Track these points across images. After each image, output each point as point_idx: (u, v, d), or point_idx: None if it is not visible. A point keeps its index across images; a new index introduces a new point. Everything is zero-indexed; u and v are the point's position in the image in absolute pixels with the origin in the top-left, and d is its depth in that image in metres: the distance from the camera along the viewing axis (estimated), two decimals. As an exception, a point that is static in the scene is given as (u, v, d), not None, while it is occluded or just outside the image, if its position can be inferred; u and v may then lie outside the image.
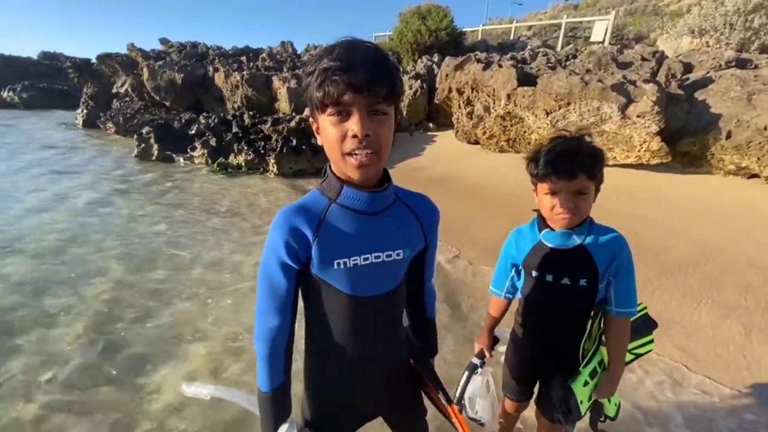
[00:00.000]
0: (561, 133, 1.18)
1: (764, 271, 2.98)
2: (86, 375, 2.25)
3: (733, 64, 5.99)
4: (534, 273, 1.22)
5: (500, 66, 6.43)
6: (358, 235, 0.85)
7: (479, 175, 6.03)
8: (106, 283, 3.26)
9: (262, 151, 6.47)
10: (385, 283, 0.91)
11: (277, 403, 0.92)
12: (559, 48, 12.48)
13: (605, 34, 12.49)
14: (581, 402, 1.18)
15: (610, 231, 1.19)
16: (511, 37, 16.02)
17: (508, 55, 8.77)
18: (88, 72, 12.85)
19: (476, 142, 7.39)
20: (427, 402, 1.16)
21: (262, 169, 6.51)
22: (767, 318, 2.54)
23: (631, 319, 1.25)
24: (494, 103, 6.50)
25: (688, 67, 6.16)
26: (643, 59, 6.05)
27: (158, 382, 2.21)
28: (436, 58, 10.93)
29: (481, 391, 1.35)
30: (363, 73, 0.71)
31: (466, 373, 1.34)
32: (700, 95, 5.16)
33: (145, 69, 10.20)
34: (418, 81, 8.88)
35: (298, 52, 12.60)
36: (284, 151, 6.24)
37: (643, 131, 4.63)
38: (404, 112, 8.95)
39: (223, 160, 6.84)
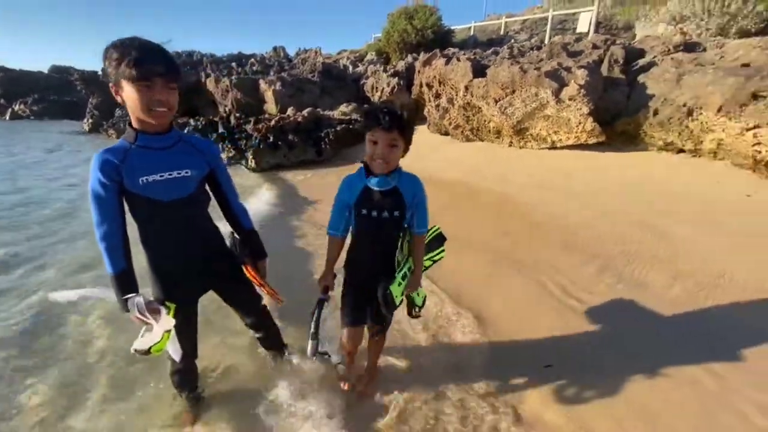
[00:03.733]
0: (390, 98, 1.72)
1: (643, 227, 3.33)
2: None
3: (681, 48, 6.24)
4: (363, 211, 1.59)
5: (458, 60, 6.83)
6: (153, 161, 1.36)
7: (439, 166, 6.45)
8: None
9: (243, 148, 7.06)
10: (179, 191, 1.43)
11: (122, 282, 1.37)
12: (546, 40, 12.72)
13: (590, 25, 12.65)
14: (396, 297, 1.64)
15: (412, 176, 1.64)
16: (502, 32, 16.28)
17: (490, 50, 9.14)
18: (94, 83, 13.85)
19: (446, 133, 7.79)
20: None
21: (243, 163, 7.09)
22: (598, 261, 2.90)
23: (427, 236, 1.78)
24: (456, 95, 6.91)
25: (639, 53, 6.43)
26: (594, 47, 6.35)
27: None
28: (421, 56, 11.35)
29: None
30: (162, 63, 1.26)
31: (317, 309, 1.69)
32: (642, 78, 5.45)
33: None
34: (396, 78, 9.32)
35: (290, 56, 13.21)
36: (261, 146, 6.81)
37: (577, 113, 4.98)
38: (383, 108, 9.41)
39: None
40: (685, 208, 3.62)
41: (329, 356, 2.02)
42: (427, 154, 6.83)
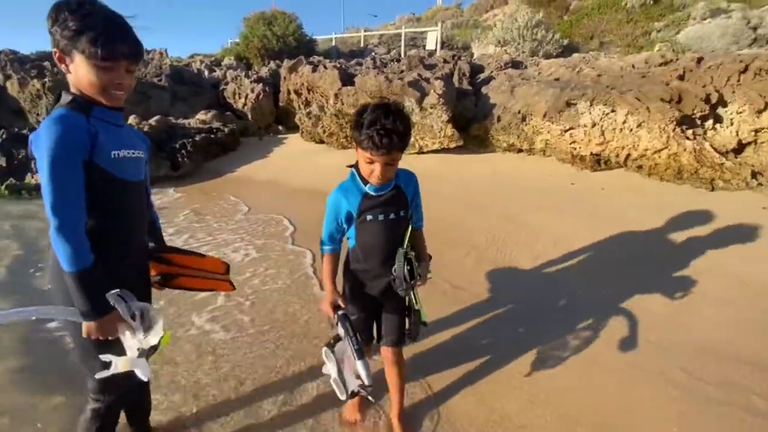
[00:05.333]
0: (382, 100, 1.40)
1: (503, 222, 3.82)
2: None
3: (509, 65, 7.48)
4: (369, 217, 1.47)
5: (325, 68, 6.81)
6: (116, 136, 1.18)
7: (316, 175, 6.29)
8: None
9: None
10: (138, 173, 1.28)
11: (97, 278, 1.10)
12: (403, 54, 13.77)
13: (436, 43, 14.22)
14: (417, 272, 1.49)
15: (408, 172, 1.56)
16: (362, 45, 17.11)
17: (354, 61, 9.36)
18: None
19: (321, 141, 7.68)
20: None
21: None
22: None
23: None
24: (326, 102, 6.86)
25: (480, 69, 7.46)
26: (445, 61, 7.11)
27: None
28: (285, 63, 11.00)
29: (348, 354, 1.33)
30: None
31: (347, 324, 1.36)
32: (484, 90, 6.30)
33: None
34: (260, 84, 8.81)
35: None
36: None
37: (438, 120, 5.46)
38: (249, 116, 8.80)
39: (16, 182, 5.75)
40: (531, 198, 4.27)
41: (367, 387, 1.33)
42: (303, 164, 6.60)
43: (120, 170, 1.18)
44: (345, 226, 1.51)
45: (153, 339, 1.13)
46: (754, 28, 9.74)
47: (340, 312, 1.43)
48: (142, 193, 1.32)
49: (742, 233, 3.20)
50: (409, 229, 1.56)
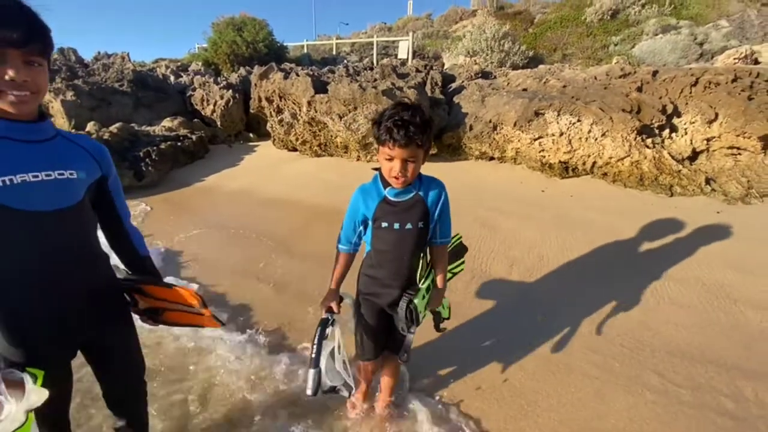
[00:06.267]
0: (402, 100, 1.41)
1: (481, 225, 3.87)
2: None
3: (479, 76, 7.66)
4: (384, 224, 1.41)
5: (297, 75, 6.72)
6: (20, 156, 0.96)
7: (289, 184, 6.17)
8: None
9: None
10: (61, 199, 1.03)
11: None
12: (375, 62, 13.86)
13: (408, 52, 14.43)
14: (421, 311, 1.46)
15: (435, 180, 1.47)
16: (334, 53, 17.10)
17: (326, 68, 9.29)
18: None
19: (294, 149, 7.55)
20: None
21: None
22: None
23: (449, 246, 1.60)
24: (299, 110, 6.76)
25: (452, 78, 7.59)
26: (417, 71, 7.18)
27: None
28: (256, 69, 10.79)
29: (334, 353, 1.39)
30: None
31: (320, 329, 1.35)
32: (456, 99, 6.41)
33: None
34: (230, 91, 8.59)
35: (86, 59, 10.73)
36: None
37: (413, 128, 5.48)
38: (218, 123, 8.55)
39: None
40: (505, 206, 4.35)
41: (339, 390, 1.47)
42: (275, 172, 6.45)
43: (13, 199, 0.94)
44: (361, 228, 1.49)
45: (32, 401, 0.94)
46: (701, 44, 10.50)
47: (324, 315, 1.42)
48: (65, 223, 1.06)
49: (701, 237, 3.37)
50: (426, 248, 1.53)
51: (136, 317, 1.28)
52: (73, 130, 7.14)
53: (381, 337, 1.62)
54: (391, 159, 1.31)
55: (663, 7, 13.06)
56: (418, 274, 1.54)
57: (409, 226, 1.43)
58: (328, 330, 1.38)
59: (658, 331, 2.31)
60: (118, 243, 1.26)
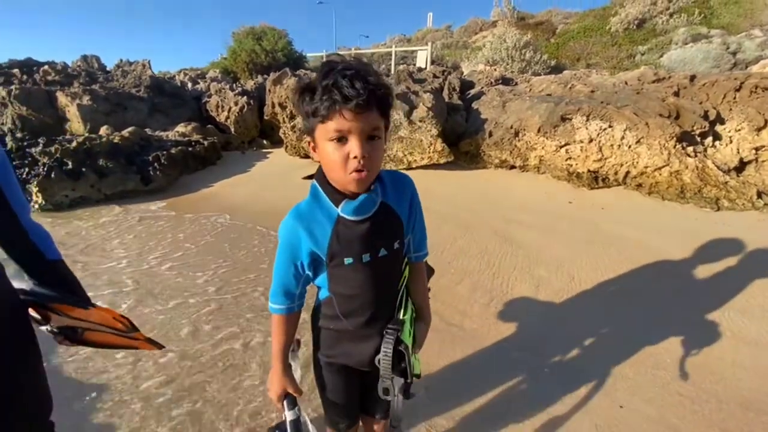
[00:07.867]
0: (332, 56, 0.86)
1: (503, 240, 3.49)
2: None
3: (500, 82, 7.34)
4: (347, 260, 0.95)
5: (311, 79, 6.54)
6: None
7: (302, 191, 5.93)
8: None
9: (26, 178, 5.16)
10: None
11: None
12: (392, 71, 13.74)
13: (426, 62, 14.27)
14: (413, 357, 1.04)
15: (398, 174, 1.02)
16: (352, 63, 17.13)
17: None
18: None
19: (306, 156, 7.35)
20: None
21: (28, 199, 5.17)
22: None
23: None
24: (311, 115, 6.57)
25: (470, 84, 7.29)
26: (435, 76, 6.92)
27: None
28: (270, 75, 10.78)
29: None
30: None
31: (287, 417, 1.01)
32: (475, 105, 6.09)
33: None
34: (245, 97, 8.52)
35: (108, 67, 10.92)
36: (52, 175, 5.07)
37: (428, 134, 5.18)
38: (232, 129, 8.46)
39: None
40: (528, 218, 3.96)
41: None
42: (288, 179, 6.23)
43: None
44: (309, 273, 0.99)
45: None
46: (734, 53, 9.93)
47: (289, 413, 1.02)
48: None
49: (758, 258, 2.92)
50: (406, 273, 1.09)
51: (48, 337, 0.98)
52: (86, 134, 7.15)
53: (356, 395, 1.20)
54: (342, 138, 0.82)
55: (692, 16, 12.52)
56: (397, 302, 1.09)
57: (383, 252, 0.97)
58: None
59: (723, 376, 1.88)
60: (13, 245, 0.96)
